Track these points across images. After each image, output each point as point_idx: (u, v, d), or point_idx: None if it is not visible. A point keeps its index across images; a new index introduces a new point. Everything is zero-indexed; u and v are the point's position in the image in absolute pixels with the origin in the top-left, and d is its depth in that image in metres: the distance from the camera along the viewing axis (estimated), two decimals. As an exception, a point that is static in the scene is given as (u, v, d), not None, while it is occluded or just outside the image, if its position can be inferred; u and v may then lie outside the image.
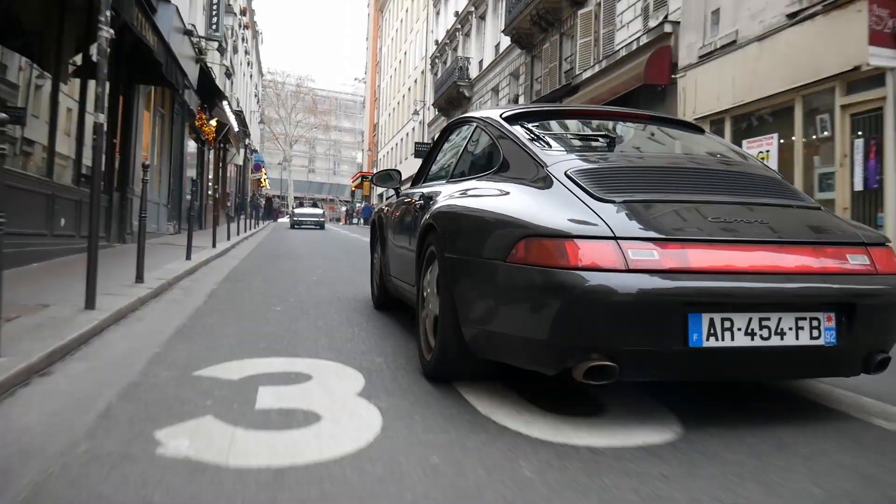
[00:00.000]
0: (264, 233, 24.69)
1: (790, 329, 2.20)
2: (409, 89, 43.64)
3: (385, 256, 4.65)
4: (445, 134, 4.44)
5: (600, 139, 3.03)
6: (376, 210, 5.29)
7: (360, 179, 61.67)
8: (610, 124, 3.49)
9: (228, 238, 14.63)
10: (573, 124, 3.56)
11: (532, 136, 2.92)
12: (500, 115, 3.25)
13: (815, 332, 2.22)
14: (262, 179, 52.14)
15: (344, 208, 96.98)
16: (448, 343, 2.66)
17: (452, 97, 29.49)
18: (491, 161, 3.12)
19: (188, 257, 8.62)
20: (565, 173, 2.50)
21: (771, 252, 2.27)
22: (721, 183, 2.65)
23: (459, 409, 2.45)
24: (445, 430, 2.20)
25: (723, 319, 2.13)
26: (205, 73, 15.60)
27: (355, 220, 59.35)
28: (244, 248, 14.32)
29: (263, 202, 39.46)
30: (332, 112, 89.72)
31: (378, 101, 58.55)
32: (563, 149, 2.88)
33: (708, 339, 2.12)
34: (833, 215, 2.79)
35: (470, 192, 2.93)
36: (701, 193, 2.48)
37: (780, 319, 2.19)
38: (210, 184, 23.00)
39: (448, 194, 3.16)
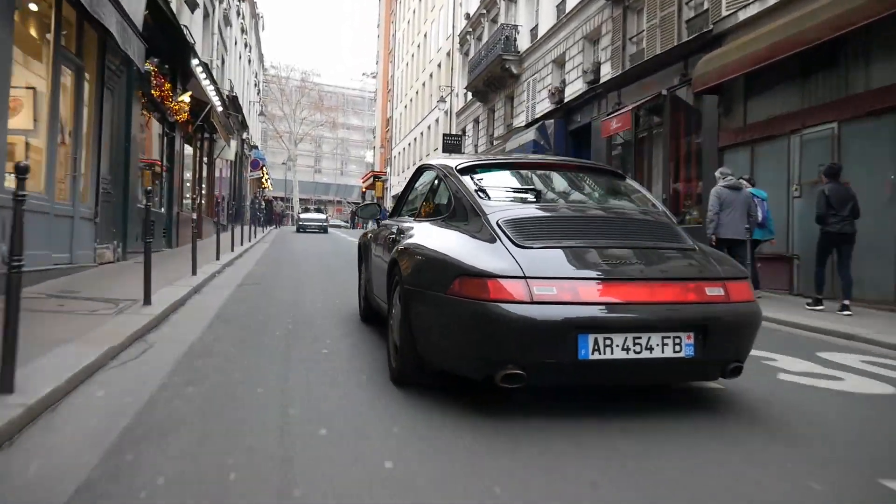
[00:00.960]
0: (263, 246, 19.29)
1: (657, 345, 2.93)
2: (431, 76, 38.03)
3: (368, 275, 5.35)
4: (416, 175, 5.08)
5: (530, 192, 3.83)
6: (362, 235, 6.07)
7: (371, 179, 56.10)
8: (544, 174, 4.32)
9: (218, 257, 11.50)
10: (514, 175, 4.23)
11: (478, 187, 3.73)
12: (456, 167, 4.08)
13: (677, 347, 2.96)
14: (263, 179, 46.67)
15: (352, 210, 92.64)
16: (406, 355, 3.43)
17: (494, 77, 23.90)
18: (446, 207, 3.96)
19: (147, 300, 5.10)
20: (497, 223, 3.32)
21: (644, 286, 3.04)
22: (617, 229, 3.47)
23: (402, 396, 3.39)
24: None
25: (604, 338, 2.88)
26: (158, 12, 10.01)
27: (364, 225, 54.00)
28: (241, 267, 11.54)
29: (264, 205, 33.92)
30: (339, 108, 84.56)
31: (391, 93, 52.99)
32: (500, 199, 3.64)
33: (593, 354, 2.86)
34: (705, 255, 3.40)
35: (427, 234, 3.73)
36: (598, 239, 3.29)
37: (649, 338, 2.93)
38: (190, 184, 17.44)
39: (412, 233, 3.95)
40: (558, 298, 2.87)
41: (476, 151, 27.83)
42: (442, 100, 31.51)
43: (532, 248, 3.11)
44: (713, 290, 3.11)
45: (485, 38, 26.88)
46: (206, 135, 19.00)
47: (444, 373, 3.29)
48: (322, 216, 32.57)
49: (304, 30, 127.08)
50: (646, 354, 2.91)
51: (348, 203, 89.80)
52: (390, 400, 3.32)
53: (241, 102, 30.64)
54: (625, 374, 3.01)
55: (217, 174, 23.59)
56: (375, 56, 62.74)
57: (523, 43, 22.22)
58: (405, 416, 3.04)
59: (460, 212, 3.67)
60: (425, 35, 40.25)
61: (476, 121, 28.33)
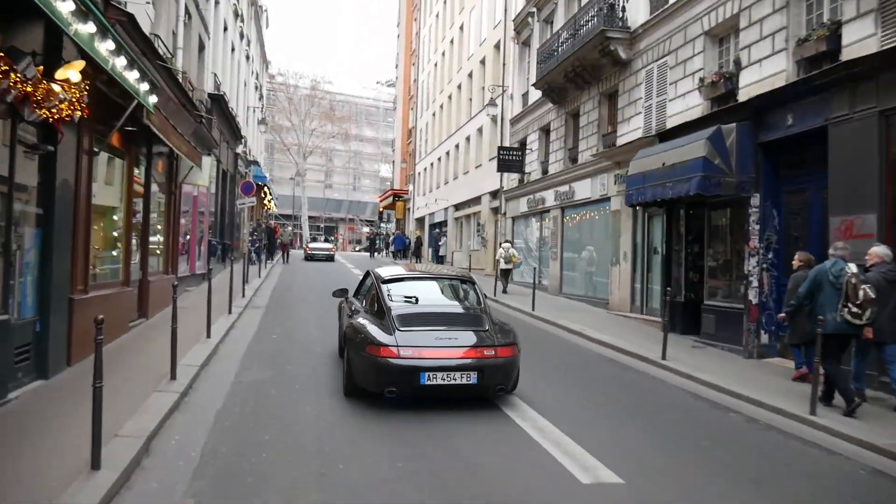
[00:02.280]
0: (264, 296, 12.75)
1: (458, 378, 6.46)
2: (471, 75, 30.92)
3: (342, 327, 8.66)
4: (366, 276, 9.01)
5: (412, 298, 7.51)
6: (340, 302, 9.63)
7: (391, 199, 48.99)
8: (424, 283, 8.40)
9: (174, 372, 7.38)
10: (408, 283, 8.05)
11: (389, 293, 7.42)
12: (381, 279, 7.75)
13: (467, 379, 6.48)
14: (266, 200, 39.60)
15: (366, 230, 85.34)
16: (348, 380, 7.09)
17: (584, 66, 16.79)
18: (375, 304, 7.48)
19: None
20: (392, 317, 6.87)
21: (454, 351, 6.61)
22: (448, 319, 7.20)
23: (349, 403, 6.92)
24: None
25: (432, 374, 6.40)
26: None
27: (380, 252, 45.91)
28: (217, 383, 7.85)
29: (263, 235, 26.82)
30: (351, 119, 77.86)
31: (414, 100, 45.94)
32: (397, 302, 7.29)
33: (427, 381, 6.41)
34: (493, 332, 7.03)
35: (363, 320, 7.25)
36: (436, 325, 6.91)
37: (454, 375, 6.45)
38: (121, 229, 10.32)
39: (357, 317, 7.52)
40: (412, 356, 6.47)
41: (546, 172, 20.69)
42: (492, 103, 24.36)
43: (404, 331, 6.71)
44: (489, 352, 6.71)
45: (559, 19, 19.73)
46: (164, 149, 11.87)
47: (364, 390, 6.86)
48: (329, 245, 36.85)
49: (313, 34, 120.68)
50: (452, 382, 6.49)
51: (361, 221, 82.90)
52: (343, 400, 7.10)
53: (232, 106, 23.56)
54: (442, 391, 6.57)
55: (196, 204, 16.51)
56: (395, 59, 55.84)
57: (638, 13, 15.06)
58: (347, 406, 6.88)
59: (380, 310, 7.28)
60: (461, 27, 33.18)
61: (545, 130, 21.17)
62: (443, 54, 37.49)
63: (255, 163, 31.54)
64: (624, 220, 15.36)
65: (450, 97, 35.34)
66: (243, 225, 29.95)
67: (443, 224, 36.76)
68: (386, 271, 8.17)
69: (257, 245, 25.04)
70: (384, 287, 7.52)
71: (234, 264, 15.46)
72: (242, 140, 27.30)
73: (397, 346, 6.52)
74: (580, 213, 18.29)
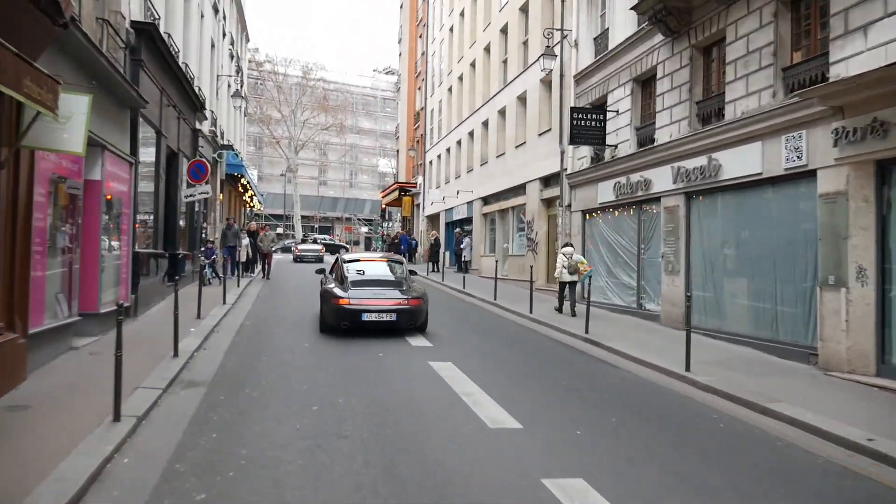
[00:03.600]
0: (215, 354, 9.27)
1: (385, 317, 11.00)
2: (505, 29, 24.05)
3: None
4: (335, 261, 13.39)
5: (360, 272, 12.07)
6: (321, 278, 13.63)
7: (396, 193, 42.05)
8: (370, 261, 13.22)
9: None
10: (358, 262, 12.74)
11: (347, 268, 12.15)
12: (343, 261, 12.62)
13: (390, 317, 11.03)
14: (247, 197, 32.62)
15: (364, 230, 78.40)
16: (321, 321, 11.76)
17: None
18: (338, 274, 12.13)
19: None
20: (347, 281, 11.52)
21: (384, 301, 11.12)
22: (384, 283, 11.84)
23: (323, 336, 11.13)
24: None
25: (369, 314, 10.95)
26: None
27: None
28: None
29: (235, 241, 19.96)
30: (347, 109, 70.97)
31: (423, 76, 39.05)
32: (351, 273, 11.93)
33: (366, 318, 10.94)
34: (411, 289, 11.72)
35: (330, 285, 11.82)
36: (375, 287, 11.51)
37: (382, 314, 11.00)
38: None
39: (329, 283, 12.04)
40: (357, 304, 10.90)
41: (650, 142, 13.86)
42: (548, 53, 17.43)
43: (354, 290, 11.17)
44: (404, 302, 11.10)
45: None
46: None
47: (330, 326, 11.25)
48: (317, 247, 36.21)
49: (302, 18, 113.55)
50: (381, 319, 10.93)
51: (359, 220, 75.92)
52: (319, 333, 11.43)
53: (193, 71, 16.76)
54: (375, 325, 10.96)
55: (96, 195, 9.64)
56: (398, 33, 48.84)
57: None
58: (321, 336, 11.15)
59: (341, 276, 11.78)
60: (488, -26, 26.27)
61: (644, 80, 14.38)
62: (461, 14, 30.57)
63: (229, 147, 24.63)
64: (856, 210, 8.57)
65: (472, 64, 28.43)
66: (214, 228, 23.03)
67: (465, 222, 29.92)
68: (347, 256, 13.45)
69: (214, 257, 18.10)
70: (345, 265, 12.33)
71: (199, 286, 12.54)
72: (207, 115, 20.38)
73: (349, 298, 11.01)
74: (731, 198, 11.46)
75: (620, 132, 15.07)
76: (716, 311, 11.84)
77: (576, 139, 15.35)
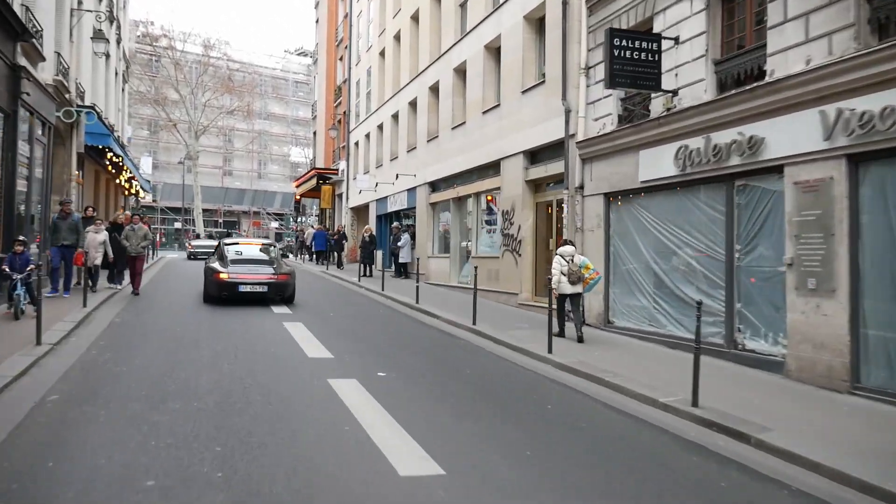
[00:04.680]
0: None
1: (258, 288, 13.21)
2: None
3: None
4: (218, 244, 16.06)
5: (238, 252, 14.63)
6: (206, 260, 17.96)
7: (314, 181, 35.53)
8: (244, 246, 15.42)
9: None
10: (237, 245, 15.44)
11: (227, 248, 14.74)
12: (225, 244, 15.23)
13: (262, 289, 13.26)
14: (123, 180, 25.53)
15: (275, 224, 70.99)
16: (205, 292, 13.92)
17: None
18: (221, 254, 14.55)
19: None
20: (227, 259, 13.99)
21: (257, 276, 13.44)
22: (256, 262, 14.24)
23: (206, 306, 13.12)
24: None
25: (244, 286, 13.14)
26: None
27: (297, 255, 34.13)
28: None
29: (98, 239, 13.44)
30: (255, 90, 63.64)
31: (347, 43, 32.87)
32: (231, 253, 14.47)
33: (242, 289, 13.14)
34: (281, 266, 14.45)
35: (212, 262, 14.24)
36: (249, 264, 13.97)
37: (255, 286, 13.20)
38: None
39: (211, 261, 14.53)
40: (234, 279, 13.10)
41: (759, 70, 8.57)
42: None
43: (232, 266, 13.54)
44: (273, 277, 13.44)
45: None
46: None
47: (212, 296, 13.37)
48: (213, 242, 31.26)
49: None
50: (254, 290, 13.14)
51: (269, 215, 68.44)
52: (203, 303, 13.48)
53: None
54: (249, 295, 13.15)
55: None
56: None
57: None
58: (205, 305, 13.18)
59: (222, 256, 14.15)
60: None
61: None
62: (398, -42, 24.66)
63: (91, 109, 17.81)
64: None
65: (415, 17, 22.59)
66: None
67: (403, 214, 24.16)
68: (228, 240, 16.41)
69: (30, 268, 10.82)
70: (225, 247, 14.74)
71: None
72: (48, 56, 13.69)
73: (228, 272, 13.19)
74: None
75: (683, 71, 9.73)
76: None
77: (617, 80, 9.82)
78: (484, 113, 16.81)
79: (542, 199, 14.41)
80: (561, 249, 10.54)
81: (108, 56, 24.02)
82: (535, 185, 14.63)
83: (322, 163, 37.68)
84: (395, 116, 24.80)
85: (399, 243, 21.83)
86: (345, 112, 33.20)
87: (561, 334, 10.31)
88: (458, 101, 18.99)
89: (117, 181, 24.59)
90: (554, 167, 13.46)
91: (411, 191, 22.51)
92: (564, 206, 12.69)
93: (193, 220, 55.21)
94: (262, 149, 68.60)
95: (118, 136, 26.25)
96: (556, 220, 13.69)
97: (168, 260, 29.62)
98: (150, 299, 14.07)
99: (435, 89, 20.70)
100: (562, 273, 10.23)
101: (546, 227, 14.31)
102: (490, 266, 16.11)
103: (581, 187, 12.22)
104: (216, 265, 13.65)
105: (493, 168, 16.42)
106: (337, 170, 34.44)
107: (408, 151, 23.16)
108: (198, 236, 41.11)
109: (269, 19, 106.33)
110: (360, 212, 30.62)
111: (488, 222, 17.03)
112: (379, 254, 24.17)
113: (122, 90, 28.91)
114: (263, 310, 12.75)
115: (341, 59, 35.14)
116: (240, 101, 59.04)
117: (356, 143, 31.07)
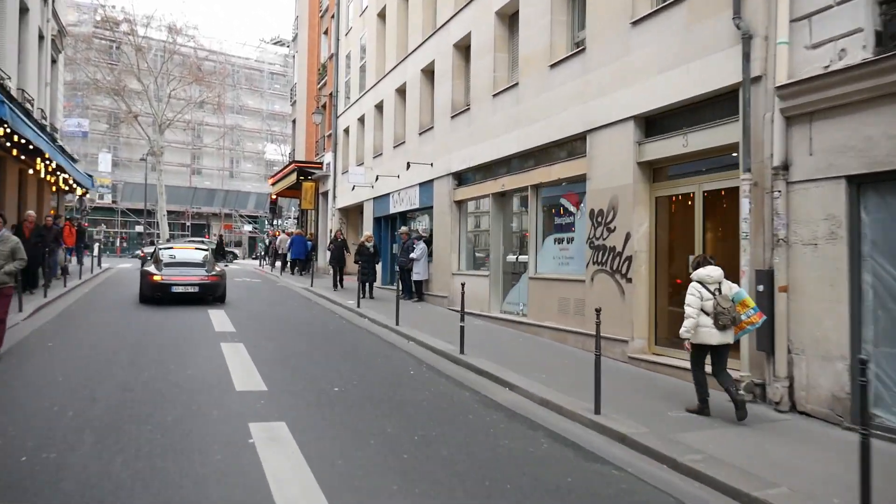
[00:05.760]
0: None
1: (190, 289, 14.21)
2: None
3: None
4: (155, 249, 17.32)
5: (173, 255, 15.42)
6: (142, 263, 18.94)
7: (293, 176, 29.80)
8: (178, 251, 16.17)
9: None
10: (172, 249, 16.22)
11: (162, 253, 15.43)
12: (159, 248, 16.41)
13: (194, 289, 14.27)
14: (52, 172, 19.64)
15: (248, 228, 64.89)
16: (140, 293, 14.74)
17: None
18: (155, 258, 15.25)
19: None
20: (161, 263, 14.76)
21: (189, 277, 14.51)
22: (190, 264, 15.12)
23: (143, 308, 13.81)
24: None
25: (177, 287, 14.14)
26: None
27: (268, 263, 28.84)
28: None
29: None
30: (226, 79, 57.77)
31: (335, 12, 27.31)
32: (166, 257, 15.18)
33: (175, 290, 14.09)
34: (214, 268, 15.26)
35: (148, 266, 15.17)
36: (182, 267, 14.86)
37: (188, 287, 14.22)
38: None
39: (147, 265, 15.50)
40: (168, 280, 14.05)
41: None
42: None
43: (165, 269, 14.39)
44: (205, 278, 14.43)
45: None
46: None
47: (148, 297, 14.25)
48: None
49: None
50: (187, 290, 14.11)
51: (241, 217, 62.36)
52: (139, 303, 14.26)
53: None
54: (182, 295, 14.08)
55: None
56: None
57: None
58: (142, 306, 13.86)
59: (157, 260, 14.88)
60: None
61: None
62: None
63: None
64: None
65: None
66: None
67: (411, 216, 18.74)
68: (163, 245, 18.18)
69: None
70: (160, 251, 15.51)
71: None
72: None
73: (161, 275, 14.05)
74: None
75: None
76: None
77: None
78: (552, 66, 11.41)
79: (668, 190, 9.10)
80: (700, 273, 6.71)
81: (25, 9, 18.32)
82: (654, 171, 9.31)
83: (303, 156, 32.03)
84: (401, 91, 19.32)
85: (413, 255, 16.37)
86: (331, 94, 27.61)
87: (702, 410, 6.65)
88: (501, 56, 13.59)
89: (37, 169, 18.71)
90: (703, 138, 8.15)
91: (425, 185, 17.08)
92: (743, 200, 7.32)
93: (157, 222, 49.15)
94: (234, 145, 62.62)
95: (43, 116, 20.44)
96: (702, 223, 8.39)
97: (116, 272, 23.88)
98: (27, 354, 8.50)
99: (463, 46, 15.29)
100: (703, 311, 6.46)
101: (670, 235, 9.01)
102: (566, 293, 10.75)
103: (785, 167, 6.89)
104: (151, 268, 14.74)
105: (565, 147, 11.07)
106: (321, 163, 28.84)
107: (420, 134, 17.70)
108: (151, 243, 35.41)
109: (253, 12, 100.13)
110: (351, 213, 25.11)
111: (560, 227, 11.64)
112: (378, 267, 18.73)
113: (54, 61, 23.04)
114: (195, 307, 14.28)
115: (326, 31, 29.59)
116: (209, 93, 53.19)
117: (345, 130, 25.51)
